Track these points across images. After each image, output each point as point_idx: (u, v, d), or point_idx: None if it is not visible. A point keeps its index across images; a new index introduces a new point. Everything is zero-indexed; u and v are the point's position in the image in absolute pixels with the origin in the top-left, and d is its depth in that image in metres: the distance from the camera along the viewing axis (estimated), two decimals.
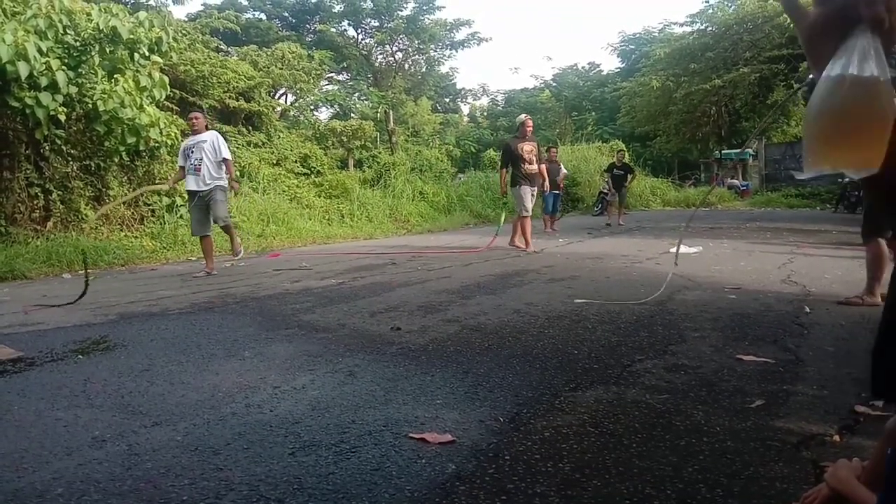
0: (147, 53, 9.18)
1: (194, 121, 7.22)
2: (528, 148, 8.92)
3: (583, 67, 40.22)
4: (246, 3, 33.97)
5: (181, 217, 9.74)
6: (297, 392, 2.81)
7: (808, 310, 4.40)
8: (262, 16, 34.23)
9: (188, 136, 7.42)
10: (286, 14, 34.99)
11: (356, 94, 33.62)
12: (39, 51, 7.86)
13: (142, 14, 9.25)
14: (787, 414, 2.45)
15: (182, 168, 7.22)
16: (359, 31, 34.66)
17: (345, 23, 34.27)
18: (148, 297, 5.60)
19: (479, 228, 14.65)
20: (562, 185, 14.70)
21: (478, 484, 1.90)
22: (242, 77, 15.48)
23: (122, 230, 9.74)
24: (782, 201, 21.14)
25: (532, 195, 9.01)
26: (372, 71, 34.70)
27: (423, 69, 35.89)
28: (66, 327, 4.38)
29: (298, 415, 2.52)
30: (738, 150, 28.28)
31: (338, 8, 33.55)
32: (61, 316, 4.80)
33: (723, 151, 28.21)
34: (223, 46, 20.71)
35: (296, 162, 15.74)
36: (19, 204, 8.73)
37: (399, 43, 33.60)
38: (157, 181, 10.38)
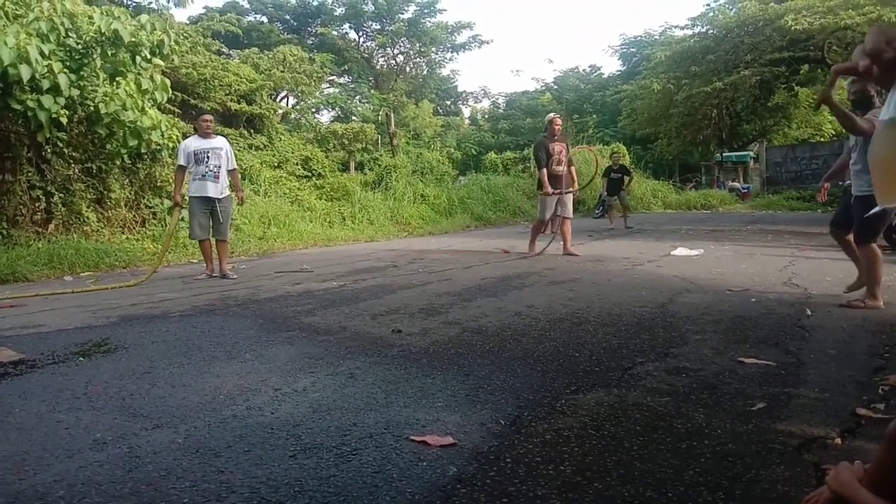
0: (149, 56, 9.18)
1: (209, 124, 7.10)
2: (558, 148, 8.51)
3: (584, 70, 40.24)
4: (247, 6, 34.05)
5: (182, 219, 9.77)
6: (298, 394, 2.80)
7: (809, 312, 4.40)
8: (264, 19, 34.31)
9: (191, 138, 7.27)
10: (287, 17, 35.06)
11: (357, 97, 33.70)
12: (41, 53, 7.86)
13: (143, 17, 9.26)
14: (789, 417, 2.45)
15: (183, 168, 7.02)
16: (360, 33, 34.71)
17: (346, 26, 34.33)
18: (149, 300, 5.60)
19: (480, 231, 14.66)
20: (574, 188, 14.70)
21: (479, 486, 1.90)
22: (244, 80, 15.50)
23: (123, 233, 9.75)
24: (783, 204, 21.13)
25: (565, 197, 8.52)
26: (373, 74, 34.74)
27: (425, 72, 35.92)
28: (67, 329, 4.38)
29: (299, 417, 2.52)
30: (739, 153, 28.33)
31: (339, 11, 33.60)
32: (62, 318, 4.80)
33: (724, 154, 28.24)
34: (225, 49, 20.75)
35: (297, 164, 15.76)
36: (21, 206, 8.74)
37: (400, 46, 33.62)
38: (158, 184, 10.40)
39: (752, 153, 28.87)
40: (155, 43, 9.12)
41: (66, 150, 9.06)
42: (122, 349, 3.75)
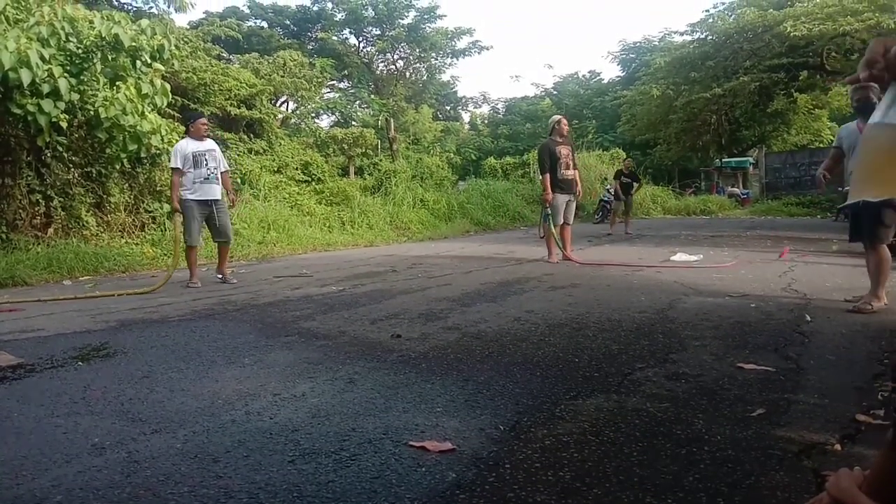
0: (149, 61, 9.20)
1: (202, 126, 6.96)
2: (564, 151, 8.27)
3: (583, 76, 40.36)
4: (247, 11, 34.17)
5: (181, 224, 9.77)
6: (297, 399, 2.80)
7: (808, 318, 4.40)
8: (264, 24, 34.41)
9: (185, 140, 7.03)
10: (288, 22, 35.16)
11: (357, 102, 33.73)
12: (42, 58, 7.88)
13: (144, 22, 9.28)
14: (789, 423, 2.45)
15: (181, 172, 6.72)
16: (360, 39, 34.84)
17: (346, 31, 34.46)
18: (148, 304, 5.60)
19: (480, 236, 14.66)
20: (579, 193, 14.69)
21: (478, 492, 1.90)
22: (244, 85, 15.52)
23: (122, 237, 9.74)
24: (783, 210, 21.17)
25: (569, 203, 8.41)
26: (373, 79, 34.84)
27: (424, 77, 36.03)
28: (66, 334, 4.38)
29: (298, 422, 2.51)
30: (738, 159, 28.37)
31: (339, 16, 33.73)
32: (61, 323, 4.79)
33: (723, 160, 28.28)
34: (225, 54, 20.79)
35: (297, 169, 15.77)
36: (20, 210, 8.74)
37: (400, 51, 33.75)
38: (158, 188, 10.39)
39: (751, 159, 28.93)
40: (155, 47, 9.14)
41: (65, 155, 9.07)
42: (121, 354, 3.75)
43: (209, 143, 7.03)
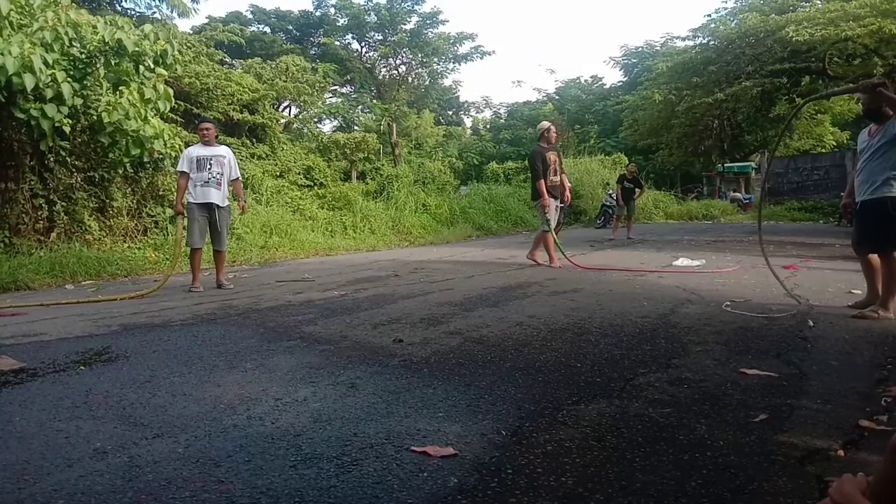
0: (152, 66, 9.23)
1: (206, 132, 7.03)
2: (553, 157, 8.46)
3: (585, 81, 40.39)
4: (250, 16, 34.24)
5: (184, 227, 9.79)
6: (299, 404, 2.80)
7: (811, 323, 4.39)
8: (267, 29, 34.48)
9: (195, 145, 7.17)
10: (290, 27, 35.24)
11: (360, 107, 33.81)
12: (45, 63, 7.91)
13: (147, 27, 9.32)
14: (791, 428, 2.44)
15: (186, 175, 6.82)
16: (362, 44, 34.90)
17: (349, 36, 34.52)
18: (150, 309, 5.60)
19: (482, 241, 14.66)
20: (568, 198, 14.69)
21: (480, 498, 1.89)
22: (247, 89, 15.56)
23: (125, 241, 9.76)
24: (785, 215, 21.15)
25: (557, 209, 8.59)
26: (375, 84, 34.90)
27: (427, 82, 36.07)
28: (68, 338, 4.38)
29: (300, 427, 2.51)
30: (741, 164, 28.37)
31: (342, 21, 33.79)
32: (63, 327, 4.80)
33: (725, 165, 28.27)
34: (228, 59, 20.87)
35: (299, 174, 15.80)
36: (23, 215, 8.77)
37: (402, 56, 33.80)
38: (160, 193, 10.42)
39: (753, 164, 28.92)
40: (158, 53, 9.17)
41: (68, 159, 9.10)
42: (123, 358, 3.75)
43: (219, 149, 7.10)
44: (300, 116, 24.47)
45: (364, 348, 3.87)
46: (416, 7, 32.85)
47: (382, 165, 19.29)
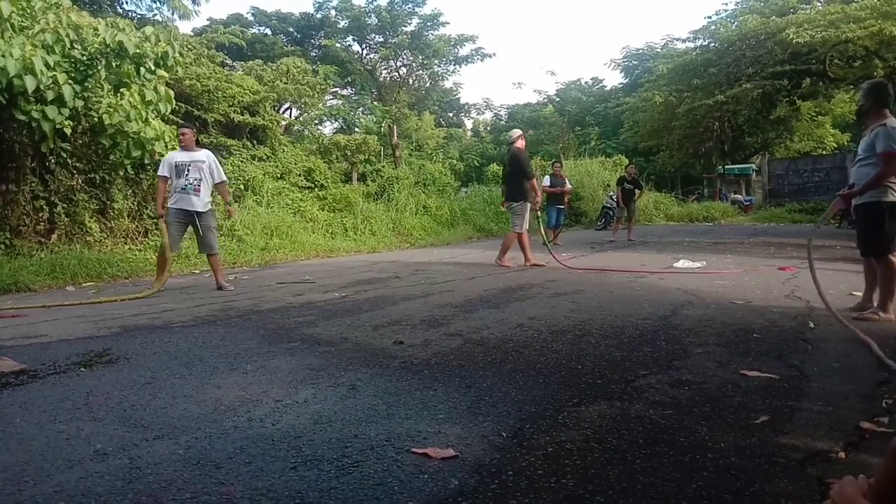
0: (153, 68, 9.24)
1: (183, 137, 7.01)
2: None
3: (586, 82, 40.48)
4: (251, 18, 34.32)
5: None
6: (300, 406, 2.80)
7: (812, 325, 4.39)
8: (268, 31, 34.56)
9: (177, 150, 7.17)
10: (291, 29, 35.31)
11: (360, 109, 33.85)
12: (46, 65, 7.91)
13: (148, 29, 9.33)
14: (792, 430, 2.44)
15: (165, 179, 6.91)
16: (363, 46, 34.96)
17: (349, 38, 34.59)
18: (151, 310, 5.60)
19: (483, 242, 14.65)
20: (567, 200, 14.75)
21: (480, 500, 1.89)
22: (247, 91, 15.57)
23: (125, 243, 9.77)
24: (786, 216, 21.15)
25: (532, 210, 9.00)
26: (376, 86, 34.96)
27: (427, 84, 36.15)
28: (69, 340, 4.38)
29: (300, 429, 2.51)
30: (741, 166, 28.37)
31: (343, 23, 33.86)
32: (64, 328, 4.80)
33: (726, 167, 28.28)
34: (228, 61, 20.90)
35: (300, 176, 15.79)
36: (24, 216, 8.77)
37: (403, 58, 33.87)
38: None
39: (754, 166, 28.93)
40: (159, 54, 9.18)
41: (69, 161, 9.10)
42: (124, 360, 3.75)
43: (198, 154, 7.04)
44: (301, 118, 24.48)
45: (365, 350, 3.87)
46: (417, 9, 32.96)
47: (383, 167, 19.28)
